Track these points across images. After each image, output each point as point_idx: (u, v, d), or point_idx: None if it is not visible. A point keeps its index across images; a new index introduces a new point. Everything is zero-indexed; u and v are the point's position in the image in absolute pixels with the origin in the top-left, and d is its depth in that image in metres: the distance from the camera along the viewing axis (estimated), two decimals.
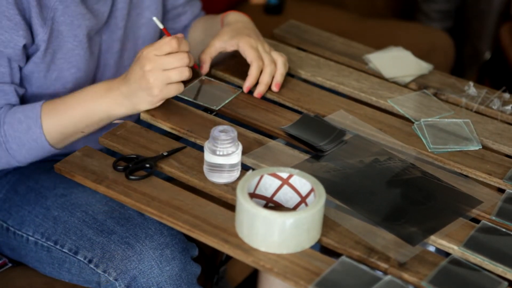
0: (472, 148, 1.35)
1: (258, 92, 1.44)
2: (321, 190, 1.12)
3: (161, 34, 1.58)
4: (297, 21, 1.76)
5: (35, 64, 1.35)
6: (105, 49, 1.45)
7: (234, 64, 1.54)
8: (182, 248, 1.30)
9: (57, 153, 1.47)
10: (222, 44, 1.44)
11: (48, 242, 1.35)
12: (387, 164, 1.30)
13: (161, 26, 1.33)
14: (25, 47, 1.33)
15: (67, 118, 1.32)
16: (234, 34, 1.44)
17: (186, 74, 1.28)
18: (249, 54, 1.42)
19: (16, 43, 1.30)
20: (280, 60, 1.44)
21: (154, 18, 1.34)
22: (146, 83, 1.26)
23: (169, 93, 1.29)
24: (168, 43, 1.26)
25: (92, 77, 1.44)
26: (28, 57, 1.35)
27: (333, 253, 1.15)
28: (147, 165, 1.24)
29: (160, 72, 1.26)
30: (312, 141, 1.32)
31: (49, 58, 1.36)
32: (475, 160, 1.32)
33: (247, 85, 1.43)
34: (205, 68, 1.45)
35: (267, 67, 1.42)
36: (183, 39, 1.29)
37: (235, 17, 1.51)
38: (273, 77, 1.44)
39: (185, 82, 1.45)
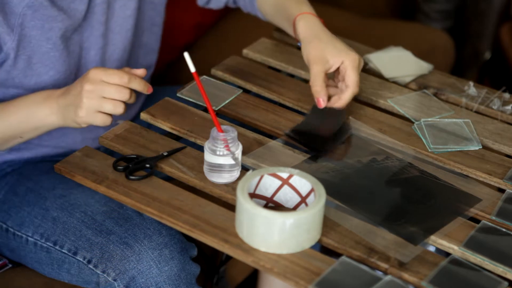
0: (472, 148, 1.35)
1: (333, 103, 1.32)
2: (321, 190, 1.12)
3: (136, 25, 1.54)
4: None
5: (7, 72, 1.34)
6: (88, 47, 1.43)
7: (234, 64, 1.54)
8: (181, 248, 1.30)
9: (56, 153, 1.47)
10: (324, 68, 1.31)
11: (48, 243, 1.35)
12: (384, 164, 1.30)
13: (193, 69, 1.21)
14: None
15: (5, 122, 1.31)
16: (332, 49, 1.32)
17: (120, 110, 1.25)
18: (350, 78, 1.29)
19: None
20: (353, 90, 1.32)
21: (185, 55, 1.19)
22: (79, 101, 1.24)
23: (94, 120, 1.26)
24: (120, 75, 1.24)
25: (73, 77, 1.42)
26: None
27: (333, 253, 1.15)
28: (147, 165, 1.24)
29: (96, 98, 1.24)
30: (316, 146, 1.32)
31: (24, 64, 1.34)
32: (475, 160, 1.32)
33: (332, 103, 1.31)
34: (323, 102, 1.30)
35: (349, 89, 1.31)
36: (137, 78, 1.26)
37: (314, 25, 1.39)
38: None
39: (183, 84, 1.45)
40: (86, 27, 1.41)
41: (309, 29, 1.38)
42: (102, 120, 1.26)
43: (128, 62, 1.54)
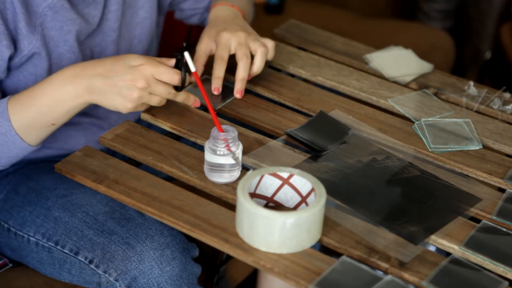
0: (472, 147, 1.35)
1: (236, 90, 1.40)
2: (321, 189, 1.12)
3: (156, 34, 1.57)
4: (297, 20, 1.76)
5: (34, 66, 1.34)
6: (99, 52, 1.44)
7: (234, 64, 1.53)
8: (182, 248, 1.30)
9: (58, 154, 1.47)
10: (205, 46, 1.42)
11: (49, 243, 1.35)
12: (385, 164, 1.30)
13: (193, 68, 1.25)
14: (9, 58, 1.30)
15: (36, 110, 1.25)
16: (214, 33, 1.42)
17: (163, 103, 1.29)
18: (215, 53, 1.39)
19: (1, 54, 1.28)
20: (259, 50, 1.40)
21: (186, 54, 1.26)
22: (127, 94, 1.24)
23: (138, 109, 1.29)
24: (171, 75, 1.25)
25: None
26: (15, 65, 1.33)
27: (334, 253, 1.15)
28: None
29: (146, 94, 1.25)
30: (318, 144, 1.32)
31: (46, 64, 1.35)
32: (475, 160, 1.32)
33: (212, 87, 1.39)
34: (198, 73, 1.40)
35: (240, 62, 1.39)
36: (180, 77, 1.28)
37: (214, 14, 1.50)
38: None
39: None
40: (98, 33, 1.42)
41: (213, 15, 1.49)
42: (143, 108, 1.30)
43: None
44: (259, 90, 1.48)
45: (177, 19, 1.69)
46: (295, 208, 1.19)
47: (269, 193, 1.19)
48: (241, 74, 1.39)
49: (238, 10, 1.51)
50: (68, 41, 1.35)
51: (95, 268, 1.30)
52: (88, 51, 1.41)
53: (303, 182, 1.16)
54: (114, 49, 1.45)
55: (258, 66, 1.40)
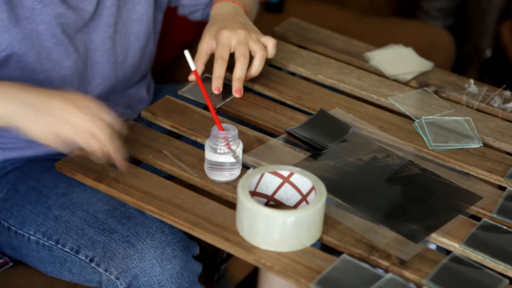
0: (473, 146, 1.35)
1: (234, 90, 1.41)
2: (322, 188, 1.12)
3: (154, 31, 1.56)
4: (297, 19, 1.75)
5: (20, 68, 1.34)
6: (95, 47, 1.43)
7: (233, 62, 1.53)
8: (183, 246, 1.30)
9: (58, 152, 1.47)
10: (206, 46, 1.42)
11: (50, 242, 1.35)
12: (385, 162, 1.30)
13: (193, 67, 1.25)
14: None
15: None
16: (214, 31, 1.42)
17: (93, 145, 1.15)
18: (215, 52, 1.39)
19: None
20: (259, 54, 1.40)
21: (186, 53, 1.23)
22: (58, 120, 1.15)
23: (55, 144, 1.17)
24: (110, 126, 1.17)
25: (79, 75, 1.42)
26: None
27: (334, 251, 1.15)
28: None
29: (73, 128, 1.15)
30: (319, 143, 1.32)
31: (34, 59, 1.34)
32: (476, 158, 1.32)
33: (213, 86, 1.39)
34: (199, 71, 1.41)
35: (237, 61, 1.39)
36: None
37: (215, 11, 1.49)
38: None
39: (187, 81, 1.45)
40: (93, 28, 1.41)
41: (214, 12, 1.49)
42: (62, 147, 1.18)
43: (138, 68, 1.54)
44: (260, 89, 1.48)
45: (180, 15, 1.69)
46: (295, 206, 1.19)
47: (269, 192, 1.19)
48: (238, 74, 1.39)
49: (239, 5, 1.50)
50: (57, 34, 1.35)
51: (96, 267, 1.30)
52: (81, 46, 1.40)
53: (303, 180, 1.16)
54: (110, 44, 1.44)
55: (255, 69, 1.41)
